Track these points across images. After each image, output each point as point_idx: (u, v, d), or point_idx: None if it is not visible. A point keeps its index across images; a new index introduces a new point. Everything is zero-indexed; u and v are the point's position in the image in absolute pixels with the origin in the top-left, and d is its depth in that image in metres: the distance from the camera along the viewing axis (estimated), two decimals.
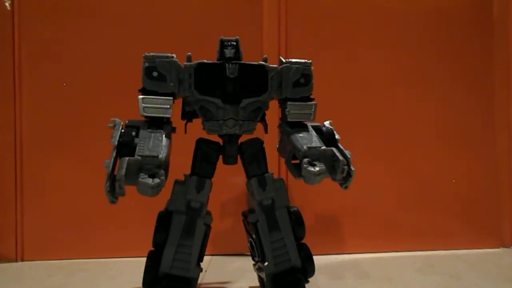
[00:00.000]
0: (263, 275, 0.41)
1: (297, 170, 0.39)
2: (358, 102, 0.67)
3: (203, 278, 0.54)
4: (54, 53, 0.64)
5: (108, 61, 0.64)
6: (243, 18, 0.66)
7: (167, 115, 0.38)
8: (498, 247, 0.69)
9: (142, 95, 0.38)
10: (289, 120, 0.41)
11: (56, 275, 0.56)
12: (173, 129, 0.40)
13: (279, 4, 0.66)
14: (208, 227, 0.40)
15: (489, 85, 0.71)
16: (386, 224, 0.67)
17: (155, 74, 0.38)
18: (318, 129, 0.41)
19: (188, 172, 0.40)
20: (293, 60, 0.41)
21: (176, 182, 0.39)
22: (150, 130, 0.37)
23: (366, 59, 0.67)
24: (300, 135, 0.39)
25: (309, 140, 0.39)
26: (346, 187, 0.38)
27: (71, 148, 0.63)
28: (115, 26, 0.64)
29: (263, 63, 0.41)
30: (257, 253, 0.41)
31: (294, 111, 0.41)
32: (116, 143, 0.34)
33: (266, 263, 0.40)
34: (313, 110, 0.41)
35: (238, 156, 0.42)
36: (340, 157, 0.37)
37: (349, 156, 0.38)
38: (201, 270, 0.40)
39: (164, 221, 0.39)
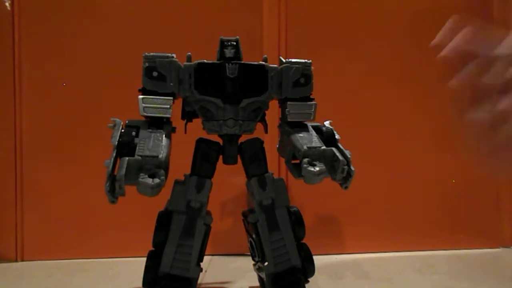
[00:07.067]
0: (263, 275, 0.41)
1: (297, 170, 0.39)
2: (358, 102, 0.67)
3: (203, 278, 0.54)
4: (54, 53, 0.64)
5: (108, 61, 0.64)
6: (243, 18, 0.66)
7: (167, 115, 0.38)
8: (498, 247, 0.69)
9: (142, 95, 0.38)
10: (289, 120, 0.41)
11: (56, 275, 0.56)
12: (173, 129, 0.40)
13: (279, 4, 0.66)
14: (208, 227, 0.40)
15: None
16: (386, 224, 0.67)
17: (155, 74, 0.38)
18: (318, 129, 0.41)
19: (188, 172, 0.40)
20: (293, 60, 0.41)
21: (176, 182, 0.39)
22: (150, 130, 0.37)
23: (366, 59, 0.67)
24: (300, 135, 0.39)
25: (309, 140, 0.39)
26: (346, 187, 0.38)
27: (71, 148, 0.63)
28: (115, 26, 0.64)
29: (263, 63, 0.41)
30: (257, 253, 0.41)
31: (294, 111, 0.41)
32: (116, 143, 0.34)
33: (266, 263, 0.40)
34: (313, 110, 0.41)
35: (238, 156, 0.41)
36: (340, 157, 0.37)
37: (349, 156, 0.38)
38: (201, 270, 0.39)
39: (164, 221, 0.39)
